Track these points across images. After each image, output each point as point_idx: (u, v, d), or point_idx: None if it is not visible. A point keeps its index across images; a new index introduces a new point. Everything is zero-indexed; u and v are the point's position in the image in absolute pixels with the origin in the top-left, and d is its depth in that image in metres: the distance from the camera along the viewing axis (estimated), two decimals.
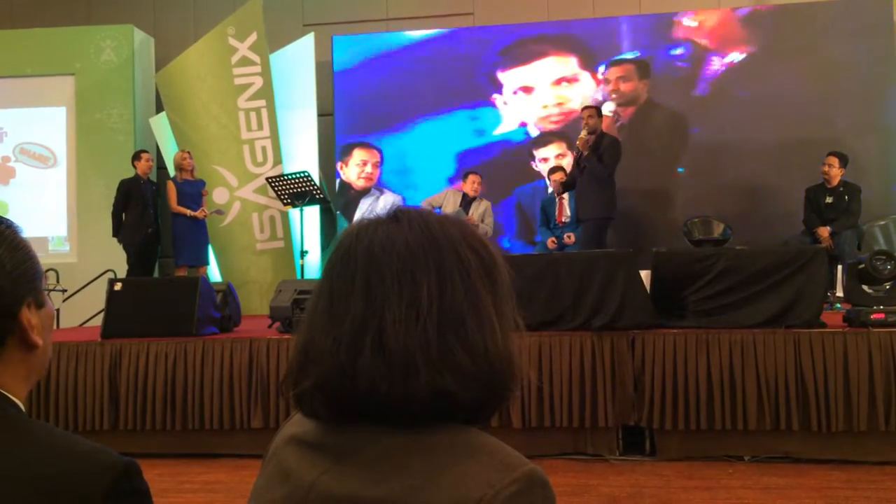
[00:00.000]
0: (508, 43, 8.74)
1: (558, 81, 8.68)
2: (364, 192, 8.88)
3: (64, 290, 7.83)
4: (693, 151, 8.39)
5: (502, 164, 8.61)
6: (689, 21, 8.41)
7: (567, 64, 8.67)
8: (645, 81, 8.53)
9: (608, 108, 8.39)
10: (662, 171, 8.39)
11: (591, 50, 8.60)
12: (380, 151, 8.88)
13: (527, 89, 8.72)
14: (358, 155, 8.92)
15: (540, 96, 8.70)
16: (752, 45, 8.29)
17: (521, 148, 8.69)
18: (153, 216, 7.76)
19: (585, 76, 8.63)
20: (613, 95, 8.54)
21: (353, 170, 8.92)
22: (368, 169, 8.90)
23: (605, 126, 6.96)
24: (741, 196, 8.16)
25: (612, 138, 6.77)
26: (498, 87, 8.74)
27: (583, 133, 6.61)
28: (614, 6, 8.66)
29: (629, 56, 8.55)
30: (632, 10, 8.65)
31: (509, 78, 8.74)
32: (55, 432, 0.92)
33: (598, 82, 8.58)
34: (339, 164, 8.95)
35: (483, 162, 8.50)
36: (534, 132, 8.69)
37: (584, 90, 8.62)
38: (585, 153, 6.54)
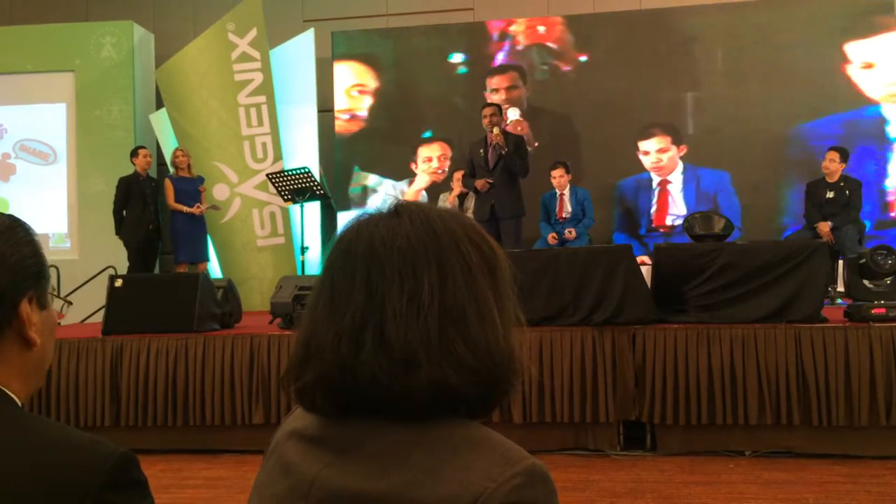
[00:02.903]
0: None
1: None
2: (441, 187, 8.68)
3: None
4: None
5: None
6: None
7: None
8: (528, 86, 8.64)
9: (514, 114, 8.50)
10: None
11: None
12: (447, 142, 8.78)
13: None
14: (422, 153, 8.85)
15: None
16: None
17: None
18: (154, 213, 7.76)
19: None
20: (507, 104, 8.57)
21: (422, 167, 8.85)
22: (434, 164, 8.84)
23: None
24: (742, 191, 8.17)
25: (519, 136, 6.82)
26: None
27: (495, 130, 6.55)
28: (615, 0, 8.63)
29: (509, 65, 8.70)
30: (631, 3, 8.63)
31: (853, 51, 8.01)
32: (51, 425, 0.91)
33: None
34: (411, 166, 8.87)
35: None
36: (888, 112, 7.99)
37: None
38: (506, 150, 6.51)
